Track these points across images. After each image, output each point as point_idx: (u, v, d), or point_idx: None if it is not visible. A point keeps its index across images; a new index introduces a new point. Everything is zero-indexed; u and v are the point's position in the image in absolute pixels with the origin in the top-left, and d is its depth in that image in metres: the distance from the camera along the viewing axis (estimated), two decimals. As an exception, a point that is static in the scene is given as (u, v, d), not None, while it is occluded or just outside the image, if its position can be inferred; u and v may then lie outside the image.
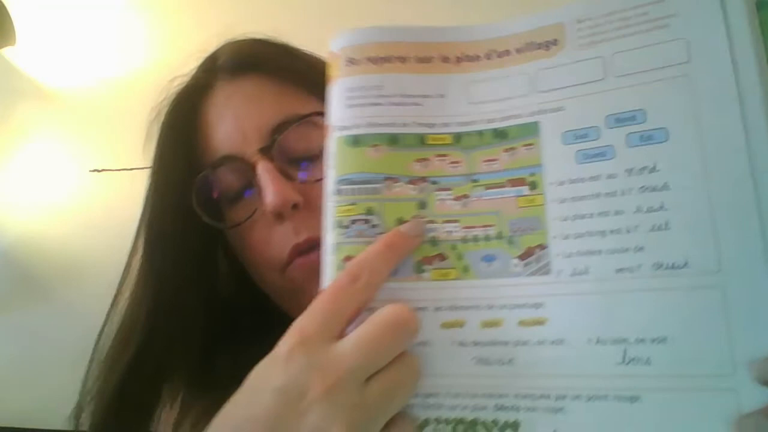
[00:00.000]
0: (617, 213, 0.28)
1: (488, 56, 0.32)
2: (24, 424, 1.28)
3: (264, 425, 0.25)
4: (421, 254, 0.30)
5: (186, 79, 0.52)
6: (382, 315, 0.27)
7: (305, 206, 0.45)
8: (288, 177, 0.45)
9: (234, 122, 0.47)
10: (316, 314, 0.27)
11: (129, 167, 1.38)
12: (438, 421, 0.28)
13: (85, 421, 0.47)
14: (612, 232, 0.28)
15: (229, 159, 0.47)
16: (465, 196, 0.31)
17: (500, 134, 0.31)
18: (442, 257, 0.30)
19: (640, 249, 0.27)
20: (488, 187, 0.31)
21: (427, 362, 0.29)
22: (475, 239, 0.30)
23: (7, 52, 1.40)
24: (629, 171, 0.28)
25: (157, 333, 0.46)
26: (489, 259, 0.30)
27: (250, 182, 0.46)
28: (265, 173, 0.44)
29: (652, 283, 0.27)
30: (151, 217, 0.49)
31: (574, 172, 0.29)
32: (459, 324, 0.29)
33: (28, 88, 1.44)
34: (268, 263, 0.46)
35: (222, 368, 0.48)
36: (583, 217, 0.29)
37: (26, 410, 1.31)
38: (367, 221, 0.30)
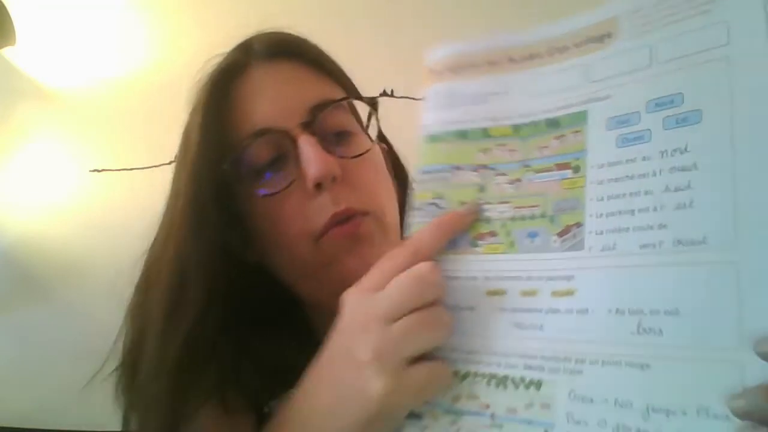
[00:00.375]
0: (647, 193, 0.29)
1: (549, 53, 0.35)
2: (24, 424, 1.28)
3: (326, 346, 0.35)
4: (477, 231, 0.35)
5: (221, 58, 0.53)
6: (410, 270, 0.32)
7: (342, 180, 0.47)
8: (328, 152, 0.47)
9: (275, 98, 0.49)
10: (372, 272, 0.34)
11: (129, 167, 1.39)
12: (476, 374, 0.32)
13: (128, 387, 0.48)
14: (640, 210, 0.30)
15: (269, 132, 0.48)
16: (518, 180, 0.34)
17: (553, 123, 0.34)
18: (493, 234, 0.34)
19: (664, 226, 0.29)
20: (538, 171, 0.34)
21: (472, 324, 0.33)
22: (523, 218, 0.33)
23: (7, 52, 1.40)
24: (663, 153, 0.30)
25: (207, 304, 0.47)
26: (533, 235, 0.33)
27: (285, 160, 0.48)
28: (307, 146, 0.46)
29: (671, 259, 0.28)
30: (186, 190, 0.49)
31: (613, 156, 0.31)
32: (502, 292, 0.33)
33: (28, 88, 1.44)
34: (301, 233, 0.48)
35: (222, 358, 0.49)
36: (616, 197, 0.30)
37: (26, 410, 1.31)
38: (436, 204, 0.36)
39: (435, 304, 0.32)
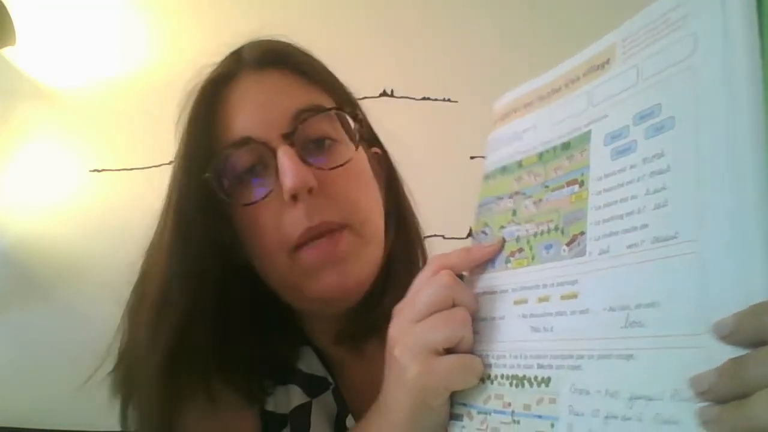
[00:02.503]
0: (633, 197, 0.32)
1: (567, 85, 0.39)
2: (24, 424, 1.28)
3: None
4: (509, 250, 0.39)
5: (211, 68, 0.54)
6: (430, 280, 0.38)
7: (319, 191, 0.48)
8: (306, 162, 0.48)
9: (258, 107, 0.50)
10: (412, 286, 0.40)
11: (129, 167, 1.39)
12: (502, 376, 0.36)
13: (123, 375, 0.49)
14: (627, 214, 0.32)
15: (251, 141, 0.49)
16: (540, 200, 0.38)
17: (566, 146, 0.37)
18: (521, 250, 0.38)
19: (645, 226, 0.31)
20: (554, 189, 0.37)
21: (501, 331, 0.37)
22: (542, 233, 0.37)
23: (7, 52, 1.40)
24: (645, 159, 0.32)
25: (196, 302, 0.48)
26: (548, 247, 0.36)
27: (266, 168, 0.49)
28: (285, 157, 0.47)
29: (650, 255, 0.30)
30: (175, 197, 0.51)
31: (608, 168, 0.34)
32: (524, 300, 0.36)
33: (28, 88, 1.44)
34: (277, 244, 0.49)
35: (213, 354, 0.50)
36: (610, 204, 0.33)
37: (26, 410, 1.31)
38: (484, 232, 0.41)
39: (456, 306, 0.37)
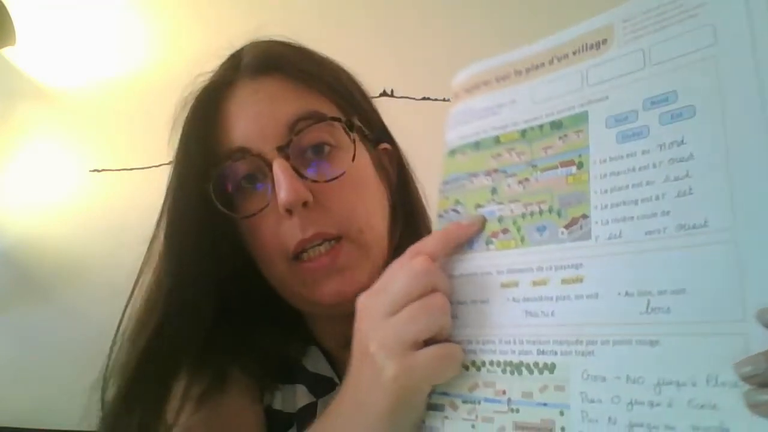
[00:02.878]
0: (648, 183, 0.32)
1: (551, 62, 0.38)
2: (24, 424, 1.28)
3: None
4: (490, 230, 0.37)
5: (210, 74, 0.54)
6: (404, 266, 0.36)
7: (314, 204, 0.48)
8: (301, 175, 0.48)
9: (254, 119, 0.50)
10: (383, 276, 0.37)
11: (129, 167, 1.39)
12: (492, 363, 0.34)
13: (110, 393, 0.49)
14: (643, 200, 0.32)
15: (248, 153, 0.49)
16: (526, 180, 0.36)
17: (556, 125, 0.36)
18: (505, 231, 0.36)
19: (667, 213, 0.31)
20: (544, 170, 0.36)
21: (487, 315, 0.35)
22: (532, 214, 0.36)
23: (7, 52, 1.40)
24: (661, 146, 0.32)
25: (175, 311, 0.49)
26: (541, 229, 0.35)
27: (264, 177, 0.49)
28: (279, 171, 0.47)
29: (675, 242, 0.30)
30: (172, 205, 0.51)
31: (614, 151, 0.33)
32: (514, 284, 0.35)
33: (28, 88, 1.44)
34: (276, 254, 0.49)
35: (225, 346, 0.51)
36: (620, 189, 0.33)
37: (26, 410, 1.31)
38: (455, 210, 0.39)
39: (433, 292, 0.35)
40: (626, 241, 0.32)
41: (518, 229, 0.36)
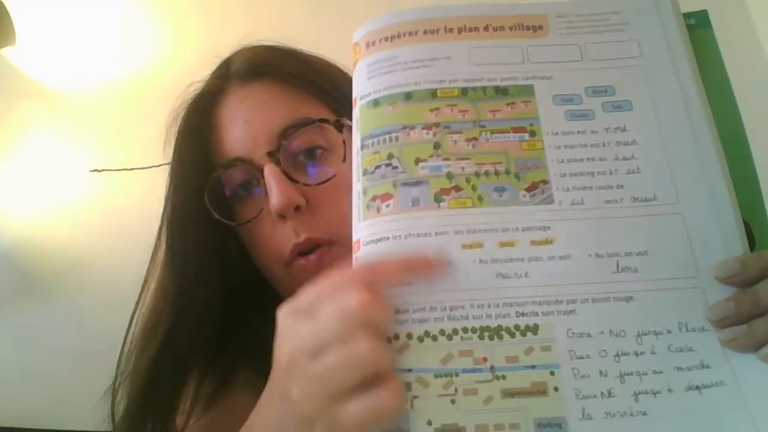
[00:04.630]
0: (601, 159, 0.36)
1: (486, 29, 0.39)
2: (24, 424, 1.28)
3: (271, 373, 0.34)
4: (439, 186, 0.35)
5: (201, 84, 0.55)
6: (342, 301, 0.30)
7: (307, 208, 0.48)
8: (292, 180, 0.48)
9: (245, 126, 0.50)
10: (309, 291, 0.33)
11: (129, 167, 1.39)
12: (465, 330, 0.32)
13: (120, 401, 0.50)
14: (599, 173, 0.35)
15: (240, 161, 0.50)
16: (475, 139, 0.36)
17: (501, 91, 0.38)
18: (458, 189, 0.35)
19: (621, 186, 0.35)
20: (494, 132, 0.37)
21: (450, 279, 0.33)
22: (487, 174, 0.36)
23: (7, 52, 1.40)
24: (607, 129, 0.36)
25: (182, 318, 0.49)
26: (500, 190, 0.35)
27: (258, 183, 0.50)
28: (270, 176, 0.47)
29: (632, 212, 0.35)
30: (171, 215, 0.52)
31: (565, 126, 0.37)
32: (478, 245, 0.34)
33: (28, 88, 1.44)
34: (272, 258, 0.50)
35: (233, 347, 0.52)
36: (575, 160, 0.36)
37: (26, 410, 1.31)
38: (389, 164, 0.36)
39: (367, 334, 0.29)
40: (588, 207, 0.34)
41: (473, 188, 0.35)
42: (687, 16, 0.40)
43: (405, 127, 0.36)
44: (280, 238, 0.48)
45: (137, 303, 0.52)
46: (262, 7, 1.36)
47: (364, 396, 0.29)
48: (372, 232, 0.35)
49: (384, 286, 0.32)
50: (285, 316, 0.33)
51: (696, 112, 0.36)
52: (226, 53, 0.55)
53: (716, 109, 0.37)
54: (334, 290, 0.31)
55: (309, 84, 0.53)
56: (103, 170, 1.41)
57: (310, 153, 0.50)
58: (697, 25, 0.40)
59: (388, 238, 0.34)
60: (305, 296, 0.33)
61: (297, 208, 0.48)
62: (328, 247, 0.48)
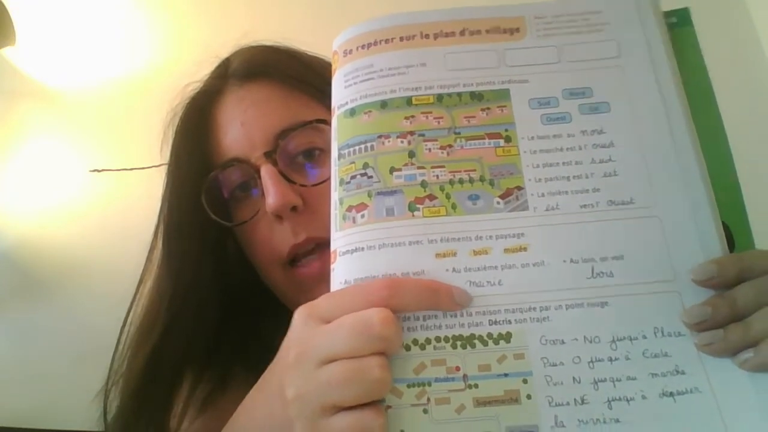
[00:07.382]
0: (577, 163, 0.35)
1: (462, 33, 0.38)
2: (24, 424, 1.28)
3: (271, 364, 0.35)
4: (413, 195, 0.35)
5: (199, 84, 0.55)
6: (361, 315, 0.30)
7: (304, 209, 0.48)
8: (289, 180, 0.48)
9: (242, 127, 0.50)
10: (331, 296, 0.33)
11: (129, 167, 1.39)
12: (438, 339, 0.32)
13: (113, 401, 0.50)
14: (575, 177, 0.35)
15: (237, 161, 0.50)
16: (449, 146, 0.36)
17: (477, 96, 0.37)
18: (432, 197, 0.35)
19: (597, 190, 0.35)
20: (469, 138, 0.36)
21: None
22: (461, 181, 0.35)
23: (7, 52, 1.40)
24: (584, 132, 0.36)
25: (178, 318, 0.49)
26: (474, 198, 0.35)
27: (255, 184, 0.50)
28: (267, 177, 0.47)
29: (608, 215, 0.34)
30: (168, 215, 0.52)
31: (540, 131, 0.36)
32: (451, 253, 0.34)
33: (28, 88, 1.44)
34: (270, 259, 0.50)
35: (229, 348, 0.52)
36: (551, 165, 0.35)
37: (26, 410, 1.31)
38: (364, 174, 0.36)
39: (377, 355, 0.30)
40: (564, 212, 0.34)
41: (447, 197, 0.35)
42: (669, 14, 0.39)
43: (380, 136, 0.36)
44: (278, 239, 0.48)
45: (132, 302, 0.52)
46: (261, 7, 1.36)
47: (350, 412, 0.29)
48: (347, 242, 0.35)
49: (405, 309, 0.32)
50: (302, 316, 0.33)
51: (675, 112, 0.36)
52: (225, 53, 0.55)
53: (696, 109, 0.36)
54: (356, 302, 0.31)
55: (307, 85, 0.53)
56: (103, 170, 1.41)
57: (309, 154, 0.50)
58: (679, 23, 0.39)
59: (363, 249, 0.34)
60: (326, 302, 0.32)
61: (294, 209, 0.47)
62: (328, 248, 0.48)
